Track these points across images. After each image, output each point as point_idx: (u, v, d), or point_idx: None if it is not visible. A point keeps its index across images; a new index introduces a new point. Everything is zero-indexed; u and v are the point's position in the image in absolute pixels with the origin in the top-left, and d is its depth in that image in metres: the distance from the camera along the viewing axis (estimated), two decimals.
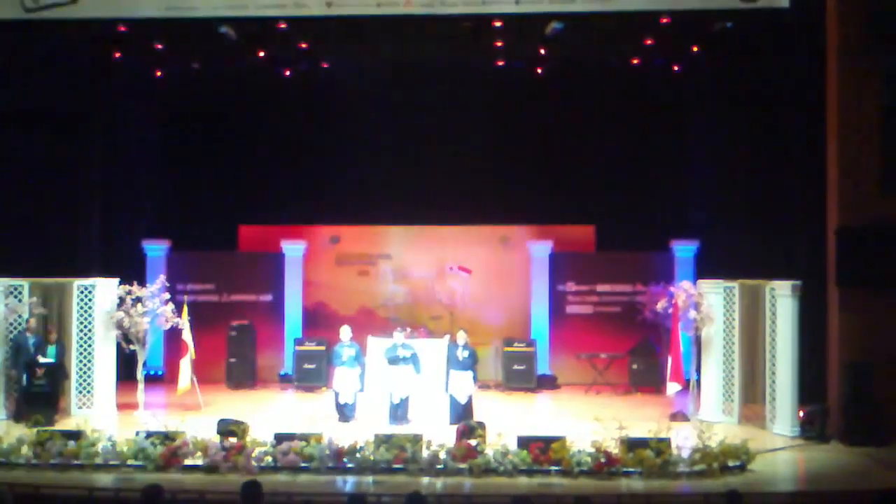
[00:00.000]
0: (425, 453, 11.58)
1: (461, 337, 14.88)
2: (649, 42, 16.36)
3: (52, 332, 15.02)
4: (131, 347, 15.19)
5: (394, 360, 14.61)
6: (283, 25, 15.25)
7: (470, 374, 14.60)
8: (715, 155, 17.12)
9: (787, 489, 11.37)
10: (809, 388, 13.89)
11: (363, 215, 19.10)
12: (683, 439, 12.23)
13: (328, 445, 11.64)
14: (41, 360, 14.57)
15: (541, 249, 19.02)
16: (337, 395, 14.86)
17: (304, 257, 19.28)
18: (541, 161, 19.07)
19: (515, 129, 19.04)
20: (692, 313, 15.03)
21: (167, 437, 11.90)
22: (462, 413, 14.26)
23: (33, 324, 14.88)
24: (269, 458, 11.62)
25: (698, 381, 15.29)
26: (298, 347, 18.01)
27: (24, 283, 15.09)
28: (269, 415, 15.06)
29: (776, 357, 14.08)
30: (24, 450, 11.83)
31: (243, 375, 18.05)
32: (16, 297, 15.00)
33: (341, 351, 14.93)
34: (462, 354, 14.69)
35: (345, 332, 15.14)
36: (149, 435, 11.94)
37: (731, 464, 11.59)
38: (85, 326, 15.29)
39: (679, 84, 18.41)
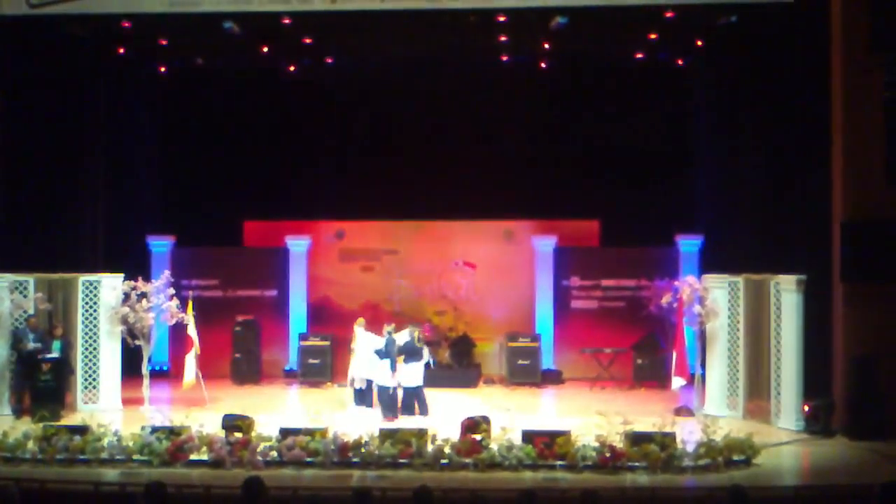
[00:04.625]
0: (430, 448, 11.59)
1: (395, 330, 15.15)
2: (654, 36, 16.34)
3: (58, 327, 15.05)
4: (136, 343, 15.22)
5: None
6: (287, 21, 15.24)
7: (386, 363, 14.77)
8: (719, 149, 17.09)
9: (792, 483, 11.35)
10: (814, 382, 13.86)
11: (367, 210, 19.11)
12: (688, 434, 12.19)
13: (333, 440, 11.66)
14: (30, 345, 14.62)
15: (545, 244, 19.00)
16: (352, 380, 15.19)
17: (309, 252, 19.28)
18: (545, 155, 19.07)
19: (520, 123, 19.05)
20: (697, 308, 15.01)
21: (172, 432, 11.92)
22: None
23: (33, 322, 14.90)
24: (275, 453, 11.63)
25: (703, 376, 15.28)
26: (303, 342, 18.04)
27: (30, 279, 15.12)
28: (274, 410, 15.08)
29: (781, 351, 14.07)
30: (30, 445, 11.85)
31: (248, 371, 18.07)
32: (21, 292, 15.03)
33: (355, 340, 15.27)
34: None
35: (360, 323, 15.44)
36: (154, 430, 11.97)
37: (735, 458, 11.59)
38: (90, 322, 15.33)
39: (683, 78, 18.39)
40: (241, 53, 17.34)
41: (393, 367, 14.68)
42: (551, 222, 19.29)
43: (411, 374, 14.81)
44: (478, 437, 11.86)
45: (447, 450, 11.55)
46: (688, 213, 18.59)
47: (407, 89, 18.77)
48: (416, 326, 15.47)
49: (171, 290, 15.55)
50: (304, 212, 19.40)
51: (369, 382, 15.03)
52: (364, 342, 15.11)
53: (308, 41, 16.69)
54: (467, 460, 11.44)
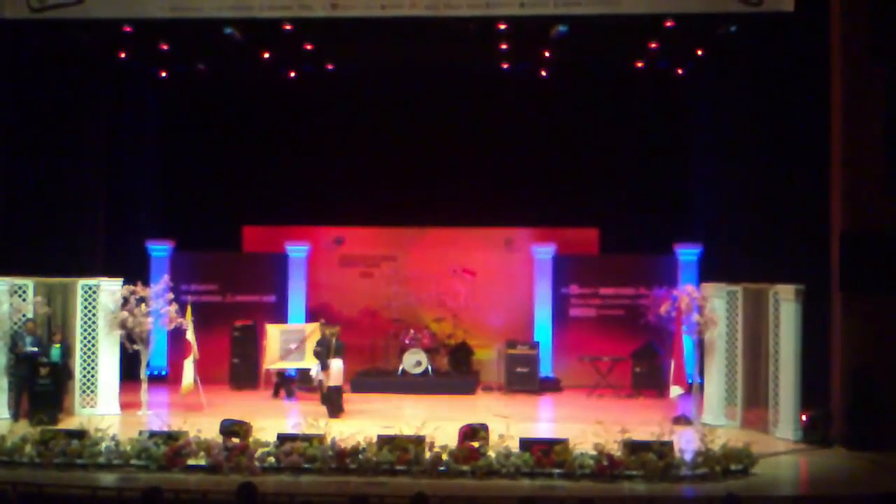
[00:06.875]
0: (428, 455, 11.58)
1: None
2: (654, 45, 16.36)
3: (57, 332, 15.05)
4: (135, 347, 15.22)
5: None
6: (288, 27, 15.27)
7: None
8: (719, 158, 17.11)
9: (790, 493, 11.37)
10: (812, 392, 13.85)
11: (367, 217, 19.14)
12: (686, 443, 12.21)
13: (331, 446, 11.65)
14: (26, 348, 14.62)
15: (544, 252, 19.02)
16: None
17: (308, 258, 19.29)
18: (545, 163, 19.08)
19: (519, 131, 19.06)
20: (695, 317, 15.01)
21: (170, 436, 11.91)
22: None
23: (31, 326, 14.89)
24: (272, 459, 11.62)
25: (701, 385, 15.28)
26: None
27: (29, 283, 15.11)
28: (272, 415, 15.06)
29: (779, 361, 14.07)
30: (28, 449, 11.84)
31: (246, 376, 18.07)
32: (20, 296, 15.02)
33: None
34: None
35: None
36: (152, 435, 11.96)
37: (733, 468, 11.57)
38: (89, 326, 15.33)
39: (683, 87, 18.42)
40: (242, 59, 17.36)
41: (323, 367, 15.40)
42: (550, 230, 19.31)
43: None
44: (476, 444, 11.85)
45: (445, 457, 11.54)
46: (686, 222, 18.62)
47: (407, 96, 18.80)
48: (333, 328, 15.94)
49: (170, 295, 15.58)
50: (303, 217, 19.43)
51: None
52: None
53: (309, 47, 16.71)
54: (465, 467, 11.43)
